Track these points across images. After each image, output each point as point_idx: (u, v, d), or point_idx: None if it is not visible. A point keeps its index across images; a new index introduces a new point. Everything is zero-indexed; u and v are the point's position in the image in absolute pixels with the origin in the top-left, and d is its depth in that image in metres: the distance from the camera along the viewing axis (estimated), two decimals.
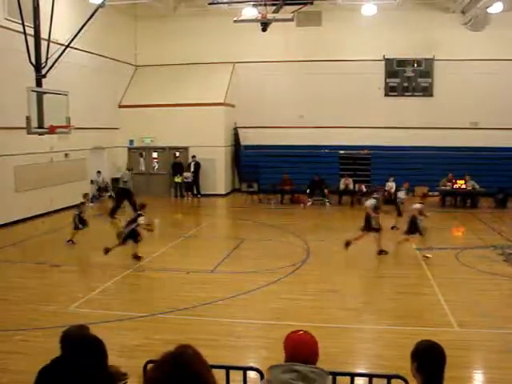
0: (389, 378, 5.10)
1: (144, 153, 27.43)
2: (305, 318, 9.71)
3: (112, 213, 20.03)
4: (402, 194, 19.33)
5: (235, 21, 19.52)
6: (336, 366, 6.91)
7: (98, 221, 20.14)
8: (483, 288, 12.05)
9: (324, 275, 12.93)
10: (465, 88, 25.85)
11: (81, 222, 16.18)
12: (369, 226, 14.87)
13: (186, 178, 26.05)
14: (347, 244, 14.87)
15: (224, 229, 20.32)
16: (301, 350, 3.44)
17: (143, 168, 27.59)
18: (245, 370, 5.36)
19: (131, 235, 14.18)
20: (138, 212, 14.76)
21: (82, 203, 16.76)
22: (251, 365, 6.10)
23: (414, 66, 26.87)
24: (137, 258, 14.17)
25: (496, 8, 22.23)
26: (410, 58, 26.71)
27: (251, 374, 5.42)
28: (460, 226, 20.65)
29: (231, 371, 5.26)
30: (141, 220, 14.24)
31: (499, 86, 25.61)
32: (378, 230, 14.88)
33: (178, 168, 26.33)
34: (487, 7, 22.39)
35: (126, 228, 14.28)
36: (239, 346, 8.70)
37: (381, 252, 14.77)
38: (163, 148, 27.16)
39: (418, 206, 15.11)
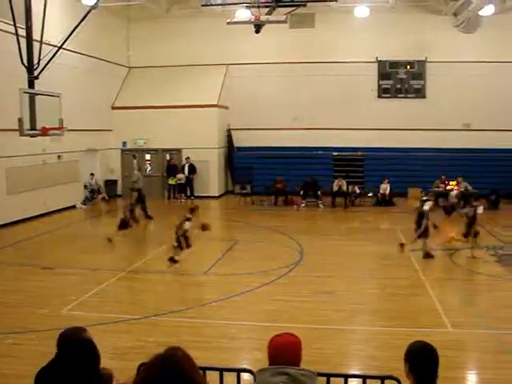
0: (382, 378, 5.10)
1: (137, 155, 27.34)
2: (298, 319, 9.70)
3: (146, 214, 20.11)
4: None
5: (228, 22, 19.53)
6: (330, 367, 6.91)
7: (91, 222, 20.18)
8: (477, 289, 12.11)
9: (317, 277, 12.92)
10: (457, 90, 25.94)
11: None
12: (420, 226, 14.79)
13: (179, 180, 26.01)
14: (401, 245, 14.87)
15: (217, 230, 20.24)
16: (285, 352, 3.44)
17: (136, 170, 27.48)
18: (238, 371, 5.35)
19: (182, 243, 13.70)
20: (187, 216, 13.87)
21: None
22: (244, 366, 6.08)
23: (406, 67, 26.93)
24: (173, 261, 13.63)
25: (487, 10, 22.30)
26: (402, 59, 26.77)
27: (245, 376, 5.40)
28: (452, 227, 20.66)
29: (225, 373, 5.24)
30: (187, 225, 13.56)
31: (491, 87, 25.70)
32: (425, 232, 14.69)
33: (172, 170, 26.29)
34: (479, 10, 22.44)
35: (177, 232, 13.68)
36: (233, 348, 8.68)
37: (427, 255, 14.57)
38: (156, 150, 27.12)
39: (429, 203, 15.08)
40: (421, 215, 14.79)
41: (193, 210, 14.02)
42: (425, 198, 15.52)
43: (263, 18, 19.30)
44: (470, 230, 14.75)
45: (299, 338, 3.60)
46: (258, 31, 21.58)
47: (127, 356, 7.72)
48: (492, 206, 23.03)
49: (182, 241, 13.57)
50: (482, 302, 11.32)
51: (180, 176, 25.97)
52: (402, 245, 14.86)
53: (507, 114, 25.42)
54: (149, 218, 20.21)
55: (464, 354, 8.61)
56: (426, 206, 14.90)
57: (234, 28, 22.83)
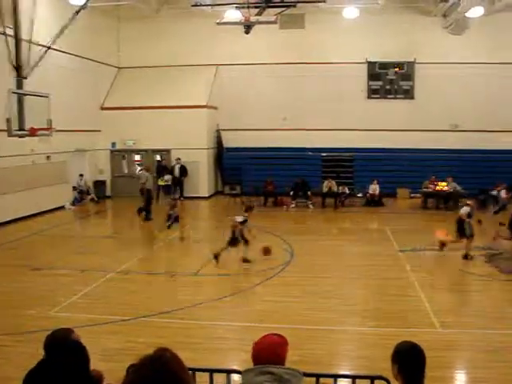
0: (372, 378, 5.10)
1: (126, 155, 27.28)
2: (289, 319, 9.70)
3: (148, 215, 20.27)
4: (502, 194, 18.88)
5: (218, 23, 19.53)
6: (320, 367, 6.93)
7: (81, 223, 20.09)
8: (466, 289, 12.16)
9: (308, 277, 12.93)
10: (445, 91, 26.07)
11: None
12: (462, 232, 14.86)
13: (166, 182, 25.84)
14: (443, 245, 15.15)
15: (207, 231, 20.23)
16: (268, 352, 3.45)
17: (126, 170, 27.43)
18: (228, 372, 5.34)
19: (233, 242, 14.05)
20: (246, 215, 14.26)
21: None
22: (235, 367, 6.07)
23: (396, 68, 27.02)
24: (246, 261, 13.98)
25: (476, 12, 22.40)
26: (392, 60, 26.86)
27: (235, 377, 5.39)
28: (442, 227, 20.75)
29: (214, 374, 5.23)
30: (240, 219, 14.07)
31: (479, 88, 25.86)
32: (471, 236, 14.79)
33: (162, 170, 26.17)
34: (467, 11, 22.54)
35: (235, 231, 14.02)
36: (223, 349, 8.67)
37: (466, 256, 14.54)
38: (145, 150, 27.03)
39: (466, 208, 15.18)
40: (460, 222, 14.96)
41: (250, 209, 14.52)
42: (469, 203, 15.68)
43: (253, 18, 19.33)
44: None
45: (285, 338, 3.60)
46: (247, 32, 21.61)
47: (117, 357, 7.68)
48: (481, 206, 23.16)
49: (241, 238, 13.99)
50: (470, 302, 11.38)
51: (167, 177, 25.84)
52: (443, 244, 14.97)
53: (495, 115, 25.59)
54: (149, 219, 20.17)
55: (452, 354, 8.64)
56: (463, 210, 15.18)
57: (224, 28, 22.84)
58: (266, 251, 14.24)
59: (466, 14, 22.85)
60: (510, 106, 25.59)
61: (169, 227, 16.83)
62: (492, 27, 24.75)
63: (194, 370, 4.99)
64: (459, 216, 15.11)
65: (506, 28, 25.10)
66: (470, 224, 14.85)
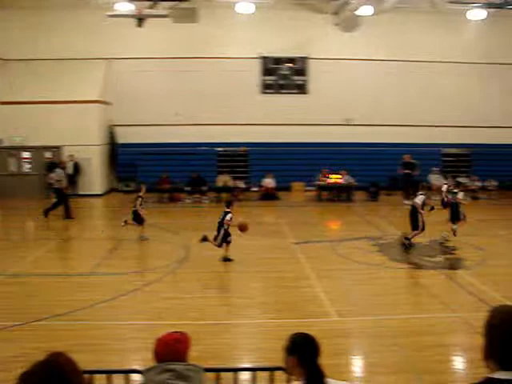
0: (272, 370, 5.18)
1: (14, 153, 26.03)
2: (188, 316, 9.67)
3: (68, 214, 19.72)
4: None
5: (109, 15, 19.07)
6: (220, 362, 6.95)
7: None
8: (360, 278, 12.59)
9: (205, 272, 12.92)
10: (338, 86, 26.87)
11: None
12: (415, 224, 15.19)
13: (51, 180, 24.34)
14: (407, 245, 15.16)
15: (101, 229, 19.73)
16: (169, 349, 3.44)
17: (14, 169, 26.17)
18: (127, 373, 5.24)
19: (225, 237, 13.77)
20: (226, 210, 14.01)
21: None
22: (136, 367, 5.96)
23: (289, 64, 27.50)
24: (227, 260, 13.76)
25: (366, 11, 23.22)
26: (285, 56, 27.33)
27: (136, 377, 5.29)
28: (336, 219, 21.45)
29: (114, 375, 5.11)
30: (228, 217, 13.76)
31: (370, 84, 26.88)
32: (423, 228, 15.16)
33: (52, 168, 25.10)
34: (357, 9, 23.31)
35: (219, 231, 13.79)
36: (122, 349, 8.49)
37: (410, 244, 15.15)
38: (35, 147, 25.89)
39: (421, 197, 15.47)
40: (414, 212, 15.33)
41: (231, 203, 14.38)
42: (422, 193, 15.81)
43: (145, 11, 19.04)
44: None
45: (186, 334, 3.59)
46: (140, 25, 21.24)
47: (10, 366, 7.32)
48: (372, 198, 24.18)
49: (224, 233, 13.77)
50: (364, 291, 11.79)
51: (52, 175, 24.57)
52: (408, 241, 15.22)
53: (386, 109, 26.71)
54: (70, 217, 19.59)
55: (348, 341, 8.96)
56: (418, 199, 15.40)
57: (117, 21, 22.29)
58: (243, 227, 13.97)
59: (356, 13, 23.62)
60: (398, 102, 26.76)
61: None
62: (382, 25, 25.78)
63: (91, 372, 4.87)
64: (413, 205, 15.54)
65: (396, 27, 26.31)
66: (423, 216, 15.28)
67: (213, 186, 24.43)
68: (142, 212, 16.34)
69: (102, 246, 15.89)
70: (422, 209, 15.22)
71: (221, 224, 13.88)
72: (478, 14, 24.03)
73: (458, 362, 8.40)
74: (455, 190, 16.24)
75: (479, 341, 2.65)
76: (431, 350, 8.04)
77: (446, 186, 18.24)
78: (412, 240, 15.20)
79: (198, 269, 13.19)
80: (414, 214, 15.33)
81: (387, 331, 9.11)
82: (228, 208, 14.07)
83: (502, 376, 2.52)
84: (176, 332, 3.60)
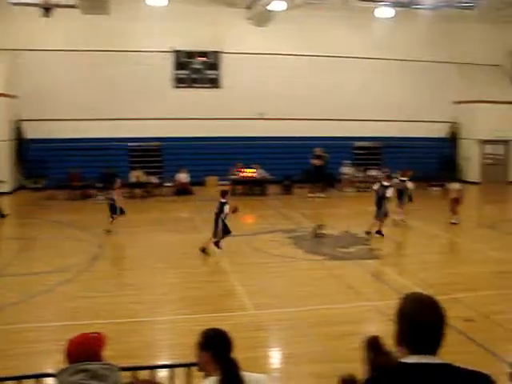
0: (189, 366, 5.13)
1: None
2: (102, 315, 9.42)
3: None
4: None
5: (13, 3, 18.29)
6: (138, 360, 6.82)
7: None
8: (275, 270, 12.72)
9: (119, 270, 12.72)
10: (251, 80, 26.91)
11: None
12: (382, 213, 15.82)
13: None
14: (378, 232, 15.87)
15: (9, 229, 18.95)
16: (83, 349, 3.34)
17: None
18: (38, 377, 5.03)
19: (226, 229, 13.81)
20: (222, 200, 13.84)
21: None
22: (49, 371, 5.73)
23: (202, 58, 27.34)
24: (216, 245, 13.96)
25: (278, 6, 23.44)
26: (198, 50, 27.15)
27: (49, 381, 5.09)
28: (250, 212, 21.58)
29: (24, 381, 4.90)
30: (226, 209, 13.76)
31: (283, 78, 27.09)
32: (386, 215, 16.02)
33: None
34: (268, 4, 23.47)
35: (217, 223, 13.75)
36: (34, 353, 8.11)
37: (378, 232, 15.86)
38: None
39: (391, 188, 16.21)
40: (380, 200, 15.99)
41: (225, 193, 14.16)
42: (388, 184, 16.48)
43: (52, 0, 18.39)
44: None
45: (100, 333, 3.49)
46: (47, 15, 20.46)
47: None
48: (286, 191, 24.53)
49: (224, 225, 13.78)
50: (280, 283, 11.92)
51: None
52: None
53: (299, 103, 27.00)
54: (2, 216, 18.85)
55: (266, 334, 9.03)
56: (389, 191, 16.12)
57: (23, 10, 21.38)
58: (235, 210, 14.21)
59: (268, 8, 23.78)
60: (310, 96, 27.16)
61: None
62: (294, 21, 26.05)
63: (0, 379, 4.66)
64: (381, 195, 16.08)
65: (308, 22, 26.62)
66: (386, 203, 16.06)
67: (126, 182, 23.97)
68: (120, 204, 16.53)
69: (11, 246, 15.27)
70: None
71: (218, 216, 13.86)
72: (385, 12, 24.77)
73: None
74: (386, 184, 16.68)
75: (392, 328, 2.70)
76: (347, 339, 8.21)
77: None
78: (381, 229, 15.94)
79: (112, 266, 12.96)
80: (380, 202, 15.99)
81: (303, 322, 9.25)
82: (224, 198, 14.06)
83: (414, 360, 2.59)
84: (90, 332, 3.49)
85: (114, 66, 26.01)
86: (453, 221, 17.60)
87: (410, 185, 18.03)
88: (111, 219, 16.38)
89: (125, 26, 25.48)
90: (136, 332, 8.80)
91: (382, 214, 15.95)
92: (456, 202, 17.70)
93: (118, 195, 16.64)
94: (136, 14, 25.37)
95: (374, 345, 4.54)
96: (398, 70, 28.12)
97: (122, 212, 16.56)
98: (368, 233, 15.92)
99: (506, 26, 28.30)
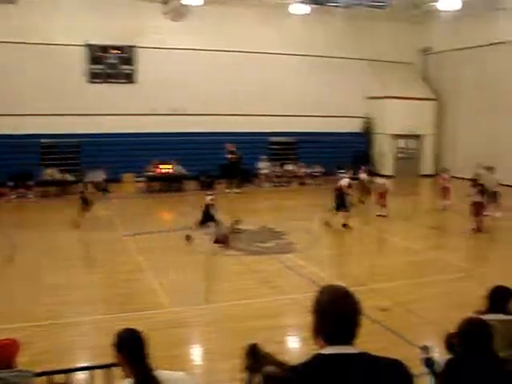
0: (109, 367, 5.06)
1: None
2: (16, 318, 9.09)
3: None
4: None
5: None
6: (56, 364, 6.64)
7: None
8: (194, 267, 12.74)
9: (33, 271, 12.28)
10: (167, 76, 26.58)
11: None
12: (342, 205, 16.25)
13: None
14: (327, 224, 16.53)
15: None
16: None
17: None
18: None
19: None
20: (211, 193, 14.88)
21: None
22: None
23: (117, 52, 26.79)
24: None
25: (194, 1, 23.34)
26: (112, 44, 26.57)
27: None
28: (167, 209, 21.42)
29: None
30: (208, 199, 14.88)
31: (200, 74, 26.94)
32: (349, 208, 16.48)
33: None
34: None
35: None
36: None
37: (345, 225, 16.39)
38: None
39: (346, 180, 16.65)
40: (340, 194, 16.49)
41: (211, 184, 15.59)
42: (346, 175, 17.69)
43: None
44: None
45: (13, 339, 3.39)
46: None
47: None
48: (205, 187, 24.39)
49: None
50: (199, 279, 11.96)
51: None
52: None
53: (216, 99, 26.94)
54: None
55: (186, 331, 9.06)
56: (344, 181, 16.71)
57: None
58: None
59: (184, 2, 23.61)
60: (229, 92, 27.16)
61: None
62: (212, 16, 26.13)
63: None
64: (339, 187, 16.60)
65: (226, 18, 26.75)
66: (349, 195, 16.67)
67: (39, 180, 23.23)
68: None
69: None
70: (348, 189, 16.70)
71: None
72: (300, 8, 25.17)
73: (294, 342, 8.86)
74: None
75: (309, 320, 2.77)
76: (267, 333, 8.32)
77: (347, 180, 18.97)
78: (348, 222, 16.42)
79: (26, 267, 12.51)
80: (341, 195, 16.46)
81: (223, 318, 9.33)
82: (210, 190, 14.46)
83: (330, 351, 2.66)
84: (3, 338, 3.38)
85: (26, 59, 24.84)
86: (380, 213, 18.47)
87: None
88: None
89: (35, 18, 24.44)
90: (53, 335, 8.64)
91: (346, 206, 16.70)
92: (382, 196, 18.61)
93: None
94: (46, 4, 24.51)
95: (252, 352, 4.67)
96: (313, 66, 28.55)
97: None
98: (344, 225, 16.49)
99: (417, 25, 29.52)
